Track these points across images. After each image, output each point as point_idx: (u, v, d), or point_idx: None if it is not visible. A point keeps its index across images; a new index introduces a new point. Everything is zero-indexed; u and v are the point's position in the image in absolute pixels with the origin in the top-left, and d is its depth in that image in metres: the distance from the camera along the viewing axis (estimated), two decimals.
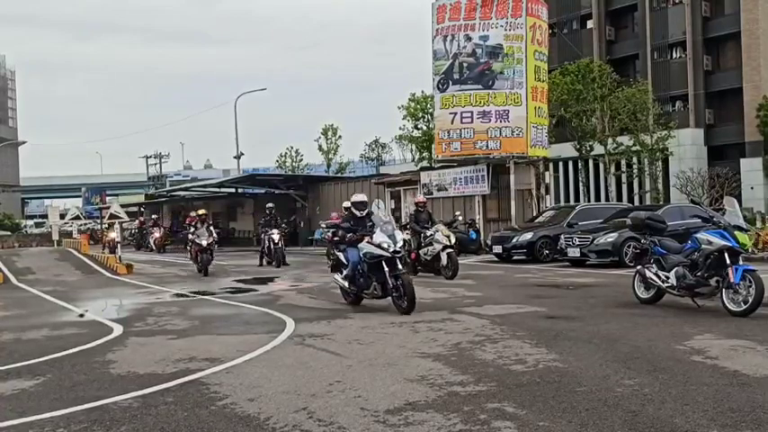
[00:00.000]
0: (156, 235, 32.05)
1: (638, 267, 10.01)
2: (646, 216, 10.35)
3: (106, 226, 29.99)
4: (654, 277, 9.59)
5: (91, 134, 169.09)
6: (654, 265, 9.64)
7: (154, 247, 31.39)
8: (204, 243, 17.55)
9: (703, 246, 8.93)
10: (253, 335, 8.32)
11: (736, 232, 8.78)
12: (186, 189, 41.18)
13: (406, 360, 6.66)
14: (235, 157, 44.07)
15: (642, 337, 7.45)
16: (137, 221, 38.47)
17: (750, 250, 9.22)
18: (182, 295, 13.17)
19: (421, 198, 16.31)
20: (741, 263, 8.70)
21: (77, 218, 32.92)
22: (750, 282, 8.41)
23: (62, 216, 35.39)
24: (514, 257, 19.22)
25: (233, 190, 37.11)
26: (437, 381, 5.82)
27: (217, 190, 38.44)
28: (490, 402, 5.13)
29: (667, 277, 9.34)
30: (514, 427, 4.57)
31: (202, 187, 40.16)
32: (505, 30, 22.49)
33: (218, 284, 15.06)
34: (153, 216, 34.66)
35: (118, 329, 8.98)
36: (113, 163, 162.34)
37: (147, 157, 66.37)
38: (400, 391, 5.50)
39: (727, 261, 8.62)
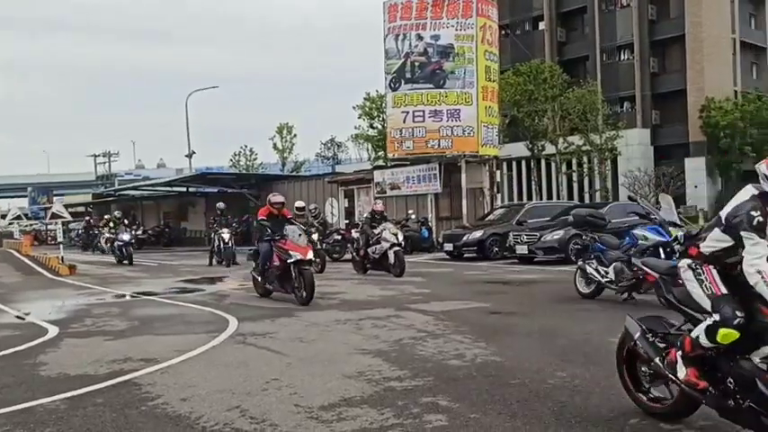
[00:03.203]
0: (108, 235, 30.82)
1: (580, 263, 10.22)
2: (586, 213, 10.58)
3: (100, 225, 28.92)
4: (594, 272, 9.80)
5: (38, 133, 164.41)
6: (594, 261, 9.85)
7: (105, 249, 30.15)
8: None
9: (640, 241, 9.18)
10: (193, 334, 8.19)
11: (671, 228, 9.04)
12: (135, 188, 40.37)
13: (347, 357, 6.65)
14: (186, 156, 43.47)
15: (579, 331, 7.60)
16: (83, 221, 37.43)
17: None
18: (125, 296, 12.90)
19: (379, 207, 16.24)
20: (675, 258, 8.94)
21: (19, 218, 31.88)
22: None
23: (3, 217, 34.22)
24: (465, 255, 19.38)
25: (184, 189, 36.52)
26: (375, 376, 5.82)
27: (167, 189, 37.77)
28: (425, 396, 5.16)
29: (606, 272, 9.56)
30: (445, 419, 4.60)
31: (152, 186, 39.42)
32: (456, 30, 22.68)
33: (164, 284, 14.79)
34: (105, 216, 33.13)
35: (53, 331, 8.73)
36: (62, 163, 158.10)
37: (96, 156, 64.91)
38: (337, 388, 5.48)
39: (662, 256, 8.85)
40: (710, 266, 3.97)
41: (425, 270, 16.36)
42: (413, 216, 23.58)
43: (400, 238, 15.03)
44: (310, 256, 10.88)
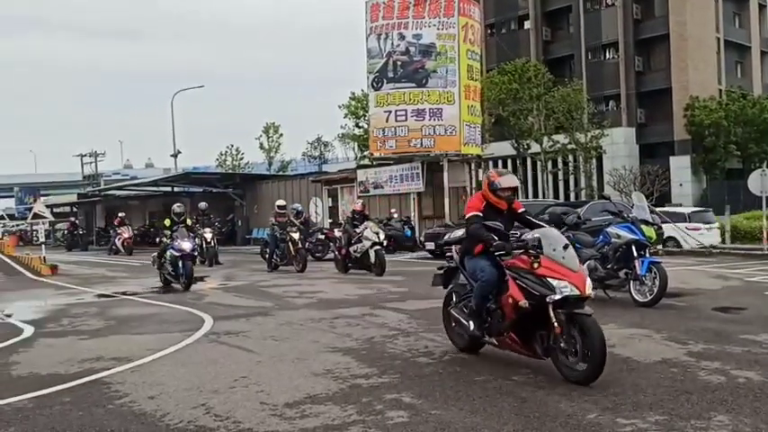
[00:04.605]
0: (125, 235, 28.87)
1: None
2: (561, 212, 10.66)
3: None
4: None
5: (25, 133, 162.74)
6: None
7: (122, 249, 28.39)
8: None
9: (613, 239, 9.27)
10: (167, 333, 8.22)
11: (643, 226, 9.14)
12: (120, 188, 40.20)
13: (317, 355, 6.70)
14: (172, 155, 43.31)
15: None
16: (68, 222, 37.19)
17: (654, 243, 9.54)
18: (105, 296, 12.88)
19: (359, 206, 16.28)
20: (648, 255, 9.06)
21: (2, 218, 31.59)
22: (655, 273, 8.77)
23: None
24: (447, 254, 19.38)
25: (169, 189, 36.42)
26: (342, 374, 5.87)
27: (152, 189, 37.65)
28: (389, 393, 5.22)
29: None
30: (407, 416, 4.66)
31: (137, 186, 39.28)
32: (438, 29, 22.75)
33: (145, 284, 14.79)
34: (120, 214, 31.92)
35: (29, 330, 8.73)
36: (49, 163, 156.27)
37: (82, 156, 64.42)
38: (303, 385, 5.54)
39: (635, 254, 8.96)
40: None
41: (406, 269, 16.42)
42: (395, 215, 23.64)
43: (381, 237, 15.07)
44: (590, 290, 5.52)
